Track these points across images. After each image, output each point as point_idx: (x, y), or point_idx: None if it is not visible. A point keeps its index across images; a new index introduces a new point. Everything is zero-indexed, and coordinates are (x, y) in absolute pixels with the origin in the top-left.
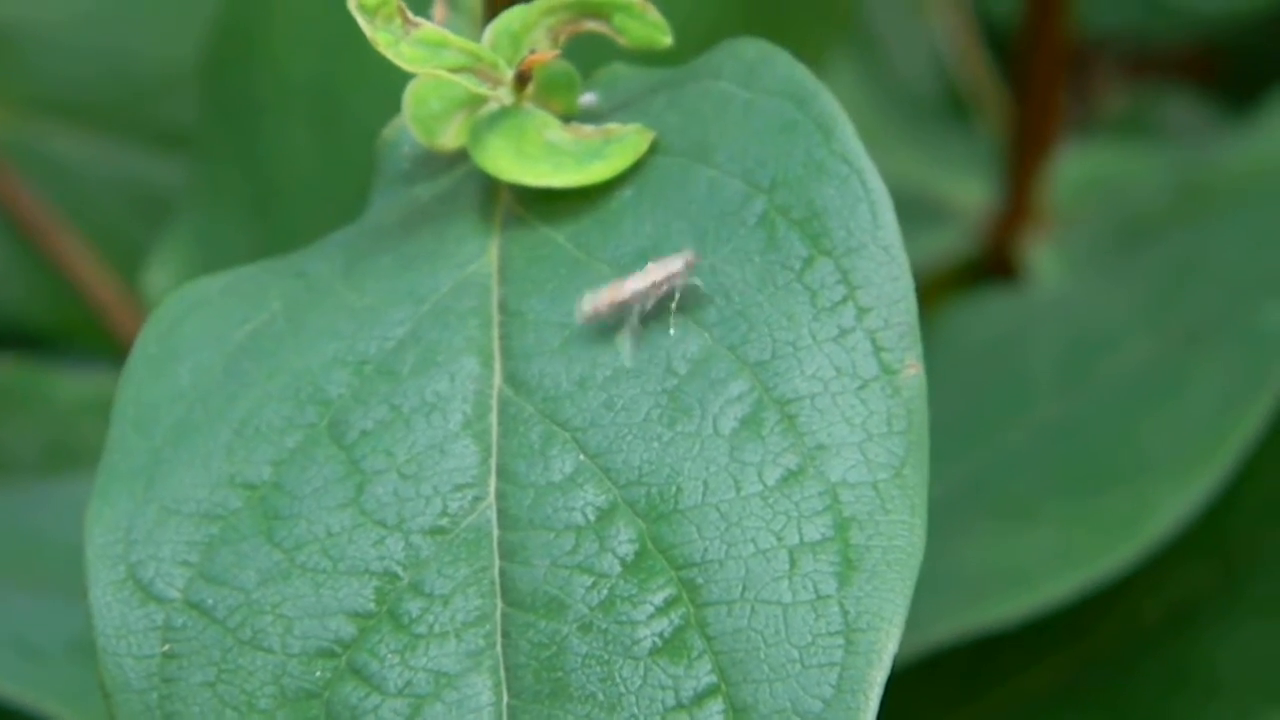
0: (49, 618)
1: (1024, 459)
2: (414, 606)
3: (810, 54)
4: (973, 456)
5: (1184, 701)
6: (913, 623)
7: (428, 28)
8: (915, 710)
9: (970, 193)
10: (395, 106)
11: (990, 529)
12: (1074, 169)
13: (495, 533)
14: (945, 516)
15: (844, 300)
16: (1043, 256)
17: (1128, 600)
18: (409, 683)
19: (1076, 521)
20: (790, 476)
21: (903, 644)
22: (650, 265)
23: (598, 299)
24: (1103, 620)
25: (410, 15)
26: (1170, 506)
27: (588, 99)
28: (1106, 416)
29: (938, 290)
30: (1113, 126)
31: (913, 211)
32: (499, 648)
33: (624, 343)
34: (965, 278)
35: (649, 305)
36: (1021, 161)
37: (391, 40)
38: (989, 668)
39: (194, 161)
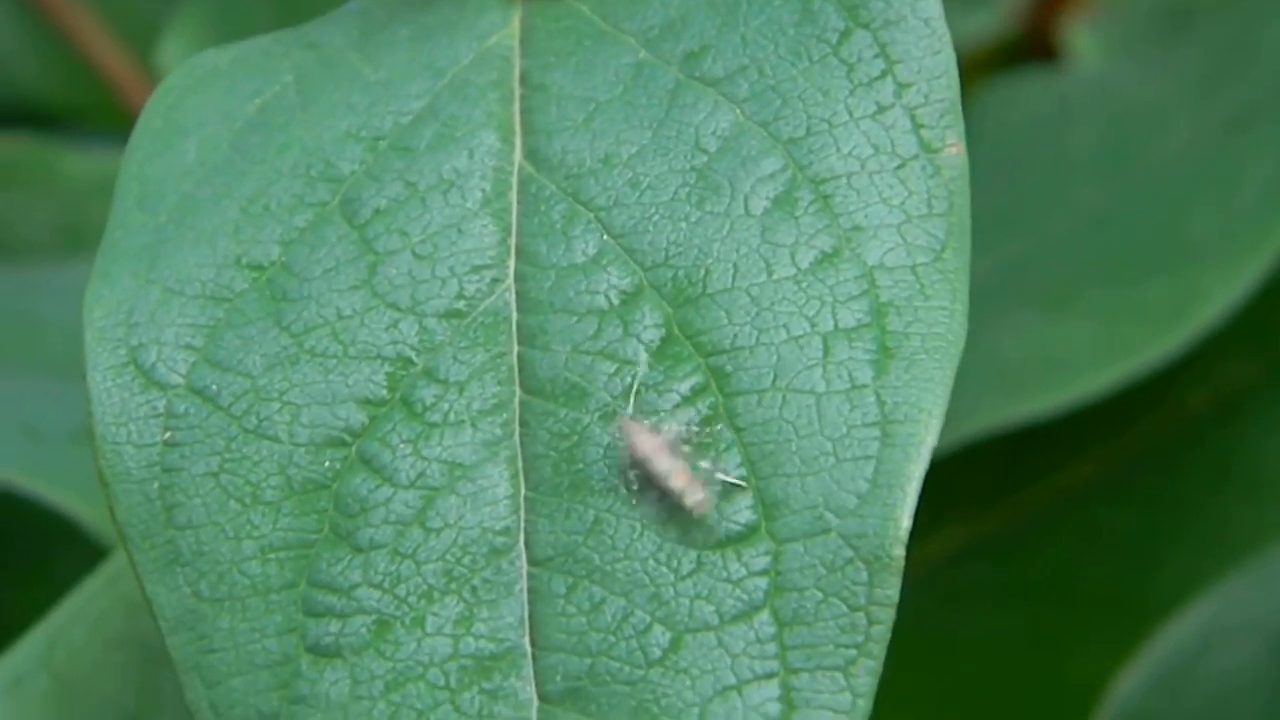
0: (55, 403)
1: (1065, 246)
2: (428, 393)
3: None
4: (1011, 243)
5: (1226, 497)
6: (950, 413)
7: None
8: (950, 505)
9: None
10: None
11: (1029, 318)
12: None
13: (514, 316)
14: (982, 304)
15: (882, 75)
16: (1084, 38)
17: (1171, 394)
18: (422, 473)
19: (1118, 311)
20: (825, 259)
21: (941, 435)
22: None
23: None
24: (1145, 414)
25: None
26: (1215, 296)
27: None
28: (1150, 202)
29: (976, 73)
30: None
31: None
32: (517, 437)
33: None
34: (1004, 60)
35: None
36: None
37: None
38: (1027, 462)
39: None
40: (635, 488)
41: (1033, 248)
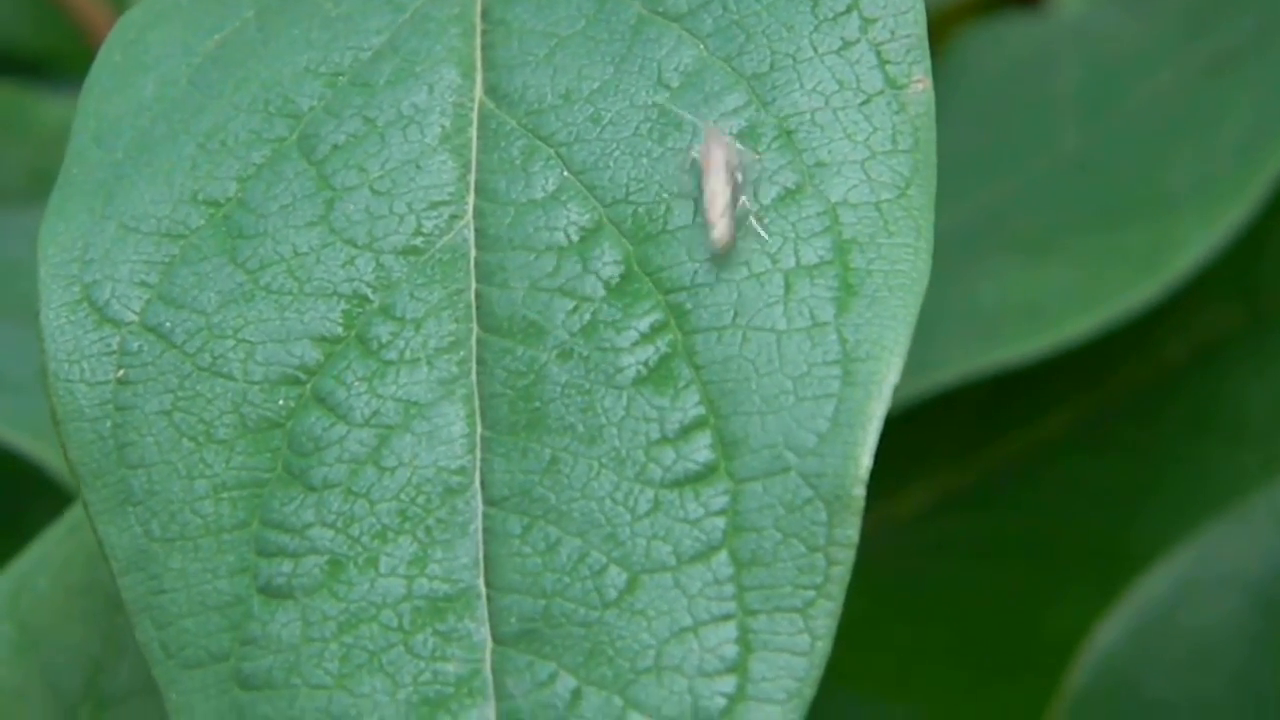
0: (26, 348)
1: (1044, 191)
2: (384, 331)
3: None
4: (991, 188)
5: (1205, 446)
6: (925, 359)
7: None
8: (929, 452)
9: None
10: None
11: (1008, 263)
12: None
13: (472, 253)
14: (961, 250)
15: (847, 10)
16: None
17: (1150, 342)
18: (376, 411)
19: (1098, 256)
20: (787, 195)
21: (915, 382)
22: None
23: (719, 229)
24: (1125, 362)
25: None
26: (1194, 243)
27: None
28: (1130, 148)
29: (958, 16)
30: None
31: None
32: (473, 375)
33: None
34: (987, 3)
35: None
36: None
37: None
38: (1006, 409)
39: None
40: (690, 188)
41: (1013, 192)
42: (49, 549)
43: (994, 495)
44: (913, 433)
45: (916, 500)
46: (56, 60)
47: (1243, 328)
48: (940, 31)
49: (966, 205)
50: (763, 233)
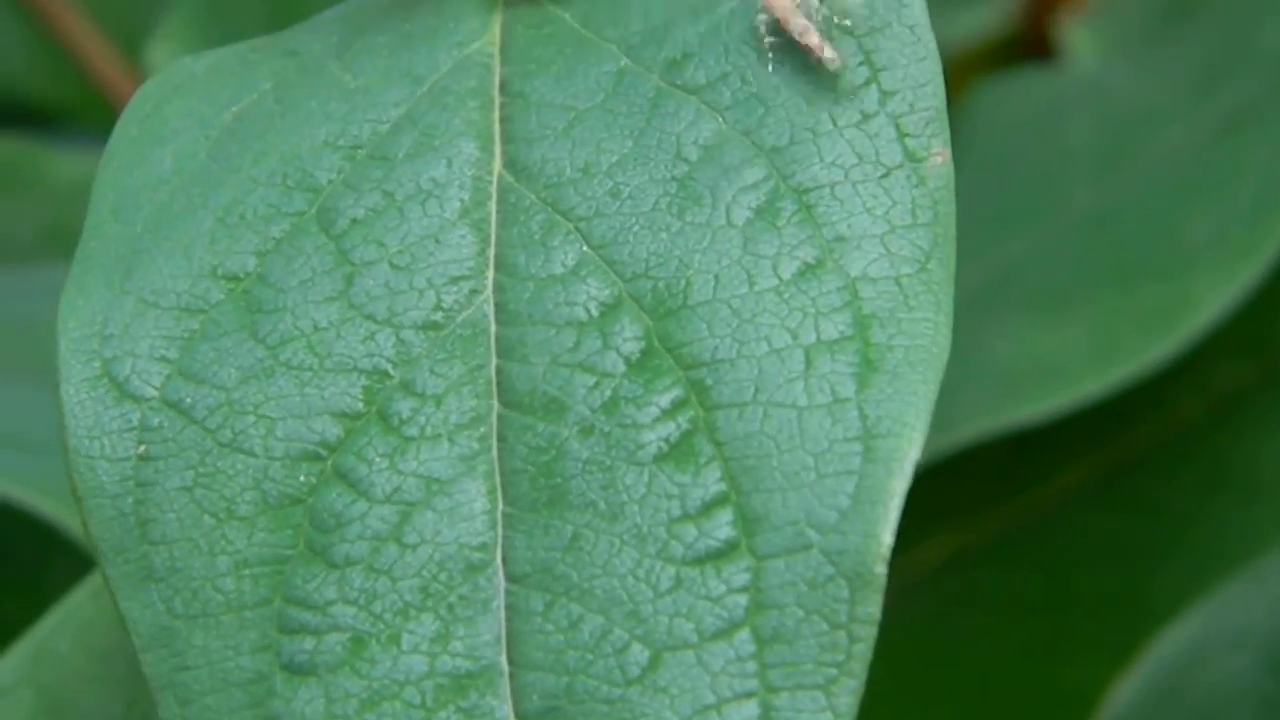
0: (44, 410)
1: (1060, 248)
2: (404, 406)
3: None
4: (1006, 245)
5: (1222, 503)
6: (943, 419)
7: None
8: (947, 507)
9: None
10: None
11: (1025, 321)
12: None
13: (492, 328)
14: (977, 308)
15: (867, 83)
16: (1081, 36)
17: (1166, 398)
18: (398, 488)
19: (1114, 315)
20: (808, 270)
21: (933, 441)
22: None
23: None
24: (1140, 419)
25: None
26: (1210, 301)
27: None
28: (1145, 205)
29: (972, 70)
30: None
31: None
32: (494, 451)
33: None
34: (1001, 57)
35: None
36: None
37: None
38: (1022, 466)
39: None
40: (774, 55)
41: (1028, 250)
42: (70, 613)
43: (1012, 550)
44: (931, 487)
45: (935, 554)
46: (70, 112)
47: (1258, 385)
48: (953, 85)
49: (981, 262)
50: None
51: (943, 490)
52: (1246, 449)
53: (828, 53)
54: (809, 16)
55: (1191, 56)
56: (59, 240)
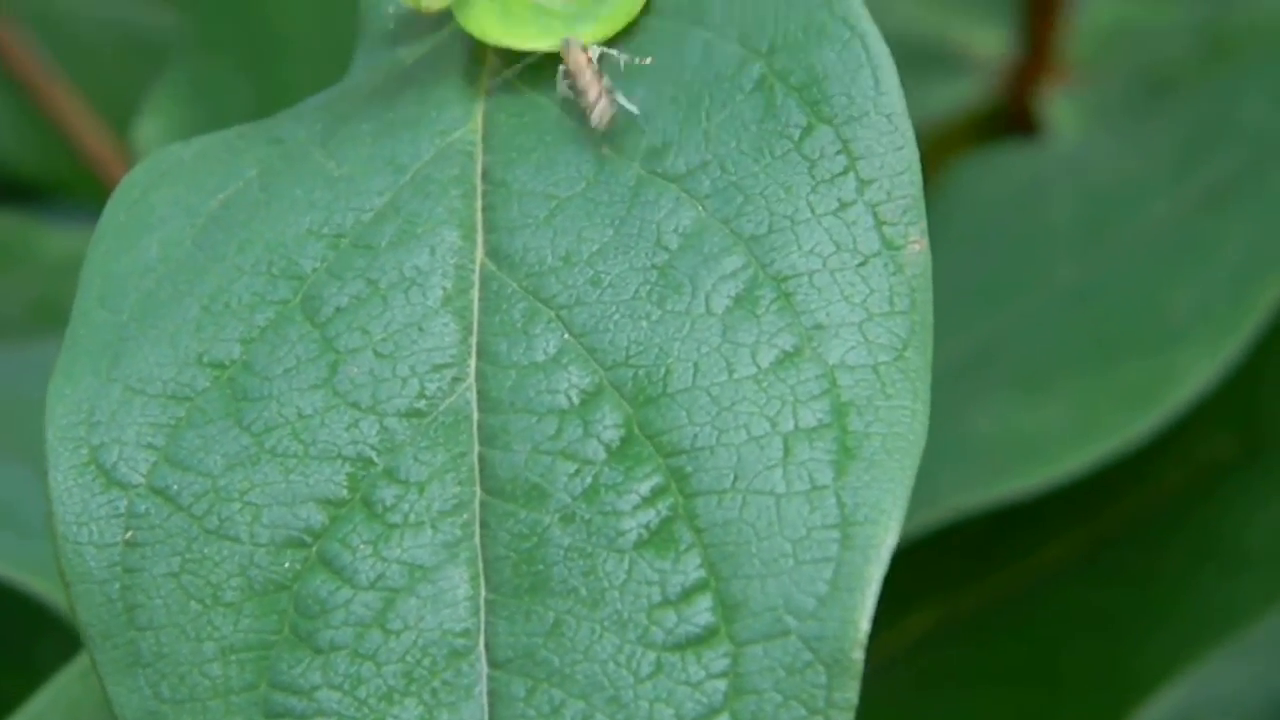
0: (33, 487)
1: (1042, 324)
2: (388, 494)
3: None
4: (989, 321)
5: (1209, 574)
6: (924, 495)
7: None
8: (925, 584)
9: (989, 42)
10: None
11: (1007, 398)
12: (1097, 15)
13: (475, 416)
14: (960, 383)
15: (844, 171)
16: (1063, 109)
17: (1150, 471)
18: (382, 575)
19: (1096, 391)
20: (786, 358)
21: (913, 517)
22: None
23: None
24: (1124, 492)
25: None
26: (1192, 376)
27: None
28: (1128, 280)
29: (954, 142)
30: None
31: (929, 60)
32: (477, 538)
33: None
34: (983, 130)
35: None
36: (1041, 8)
37: None
38: (1005, 540)
39: (186, 12)
40: (564, 107)
41: (1010, 325)
42: (59, 692)
43: (995, 623)
44: (911, 562)
45: (915, 630)
46: (59, 187)
47: (1241, 458)
48: (935, 158)
49: (964, 337)
50: (626, 103)
51: (923, 565)
52: (1231, 521)
53: (598, 109)
54: (596, 76)
55: (1173, 131)
56: (50, 316)
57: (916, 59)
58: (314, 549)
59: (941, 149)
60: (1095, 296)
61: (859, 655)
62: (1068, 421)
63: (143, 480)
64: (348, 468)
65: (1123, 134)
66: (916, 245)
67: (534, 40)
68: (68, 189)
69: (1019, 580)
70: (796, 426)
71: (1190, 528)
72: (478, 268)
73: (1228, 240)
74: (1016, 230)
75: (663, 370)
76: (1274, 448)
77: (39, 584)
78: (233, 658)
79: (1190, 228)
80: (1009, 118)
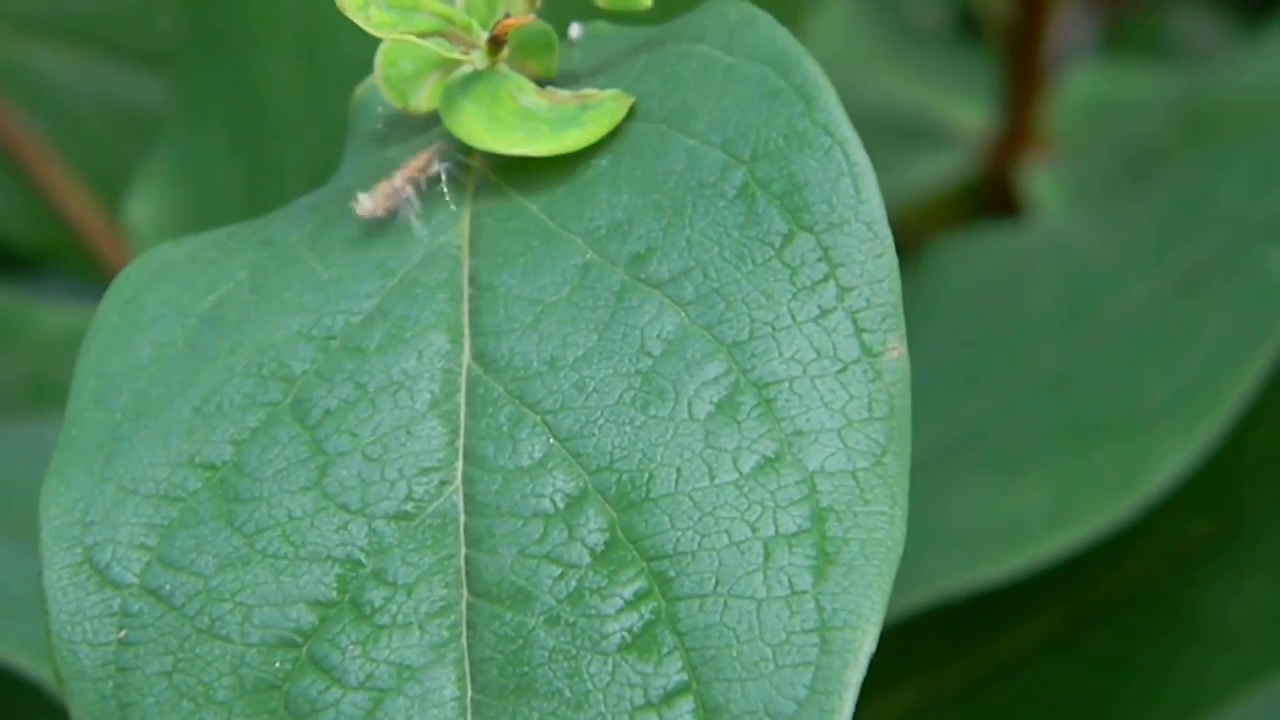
0: (25, 569)
1: (1021, 408)
2: (377, 595)
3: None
4: (969, 405)
5: (1187, 654)
6: (903, 579)
7: None
8: (903, 663)
9: (972, 116)
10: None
11: (986, 483)
12: (1079, 90)
13: (461, 519)
14: (938, 467)
15: (825, 279)
16: (1043, 184)
17: (1128, 552)
18: (370, 675)
19: (1073, 477)
20: (767, 464)
21: (894, 601)
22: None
23: (374, 197)
24: (1102, 573)
25: None
26: (1169, 462)
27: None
28: (1106, 364)
29: (935, 215)
30: (1130, 44)
31: (910, 133)
32: (464, 640)
33: (415, 225)
34: (964, 202)
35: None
36: (1022, 83)
37: (361, 4)
38: (982, 620)
39: (176, 88)
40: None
41: (989, 410)
42: None
43: (974, 703)
44: (892, 641)
45: (896, 707)
46: (49, 259)
47: (1219, 538)
48: (915, 231)
49: (943, 421)
50: (414, 222)
51: (901, 644)
52: (1211, 601)
53: (362, 204)
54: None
55: (1152, 213)
56: (43, 390)
57: (898, 131)
58: (304, 649)
59: (922, 221)
60: (1074, 381)
61: None
62: (1045, 506)
63: (136, 580)
64: (337, 569)
65: (1102, 215)
66: (895, 352)
67: (520, 145)
68: (56, 260)
69: (998, 659)
70: (777, 532)
71: (1169, 608)
72: (464, 372)
73: (1205, 324)
74: (996, 313)
75: (646, 475)
76: (1252, 528)
77: (30, 664)
78: None
79: (1168, 311)
80: (989, 190)
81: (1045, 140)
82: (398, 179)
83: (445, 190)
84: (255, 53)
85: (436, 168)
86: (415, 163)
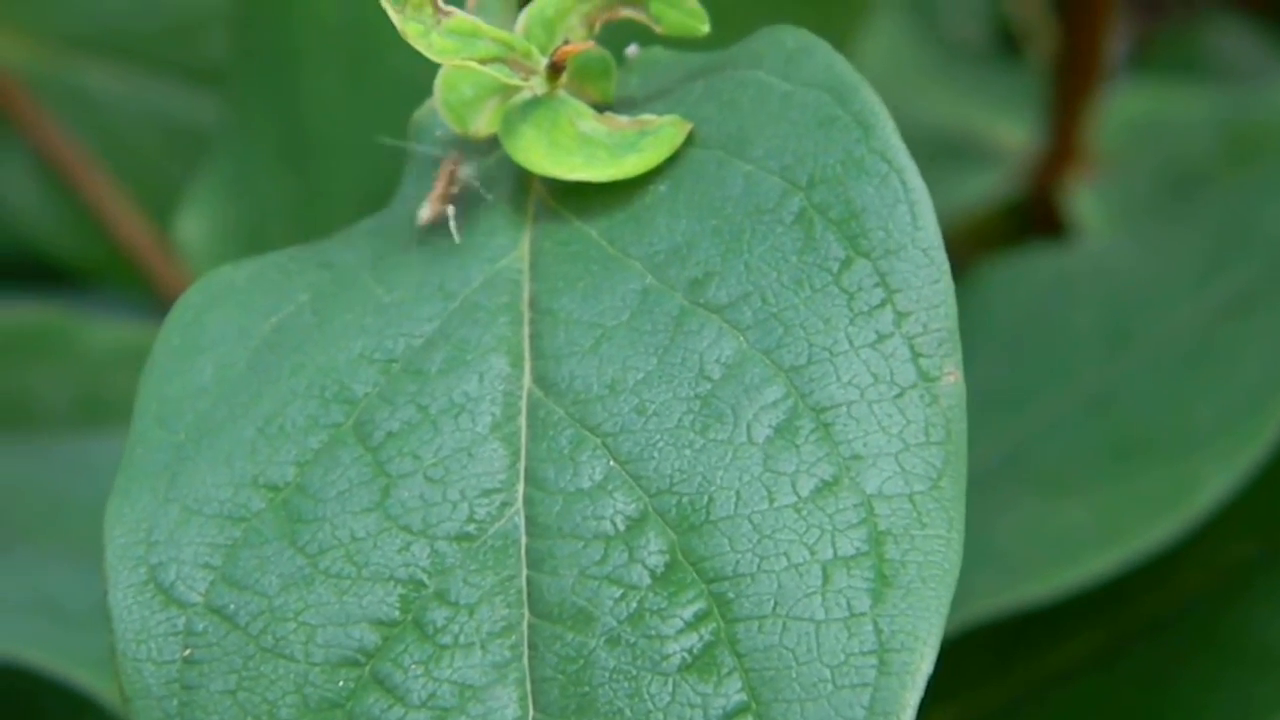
0: (80, 581)
1: (1066, 429)
2: (439, 615)
3: (845, 26)
4: (1014, 426)
5: (1229, 675)
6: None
7: (459, 16)
8: (945, 682)
9: (1015, 134)
10: (434, 61)
11: (1031, 504)
12: (1123, 108)
13: (523, 540)
14: (986, 489)
15: (882, 304)
16: (1087, 202)
17: (1171, 573)
18: (433, 694)
19: (1119, 497)
20: (825, 487)
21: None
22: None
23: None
24: (1145, 593)
25: (441, 3)
26: (1215, 482)
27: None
28: (1151, 386)
29: (979, 234)
30: (1166, 59)
31: (955, 151)
32: (525, 660)
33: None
34: (1008, 221)
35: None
36: (1067, 101)
37: (422, 31)
38: (1025, 639)
39: (226, 106)
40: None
41: (1034, 430)
42: None
43: (1017, 718)
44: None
45: None
46: (99, 277)
47: (1263, 560)
48: (961, 249)
49: (989, 442)
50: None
51: (944, 662)
52: (1254, 622)
53: (422, 213)
54: (448, 184)
55: (1196, 236)
56: (93, 408)
57: (943, 150)
58: (367, 668)
59: (966, 240)
60: (1118, 402)
61: None
62: (1090, 527)
63: (200, 599)
64: (400, 589)
65: (1147, 237)
66: (951, 377)
67: (580, 170)
68: (106, 277)
69: (1040, 678)
70: (835, 555)
71: (1212, 629)
72: (525, 394)
73: (1249, 348)
74: (1041, 334)
75: (705, 498)
76: None
77: (84, 676)
78: None
79: (1213, 335)
80: (1034, 209)
81: (1089, 159)
82: (438, 188)
83: (503, 213)
84: (304, 71)
85: (463, 173)
86: (442, 174)
